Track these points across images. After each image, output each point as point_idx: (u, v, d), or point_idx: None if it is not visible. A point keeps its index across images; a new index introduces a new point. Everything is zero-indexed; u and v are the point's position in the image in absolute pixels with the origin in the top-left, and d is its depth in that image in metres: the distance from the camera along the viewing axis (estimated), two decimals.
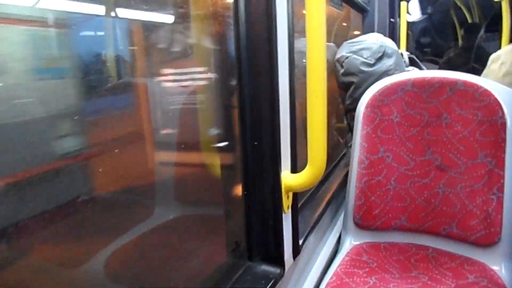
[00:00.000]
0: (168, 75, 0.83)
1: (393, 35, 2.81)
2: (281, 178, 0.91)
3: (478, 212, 1.26)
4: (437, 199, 1.33)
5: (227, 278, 0.92)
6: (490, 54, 1.99)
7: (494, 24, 3.90)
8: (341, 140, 2.01)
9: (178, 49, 0.84)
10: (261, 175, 0.91)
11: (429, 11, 4.90)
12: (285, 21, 0.88)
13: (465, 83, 1.30)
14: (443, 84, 1.33)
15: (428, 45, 5.40)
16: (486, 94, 1.27)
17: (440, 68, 4.19)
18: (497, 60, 1.85)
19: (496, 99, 1.25)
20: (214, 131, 0.94)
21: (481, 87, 1.28)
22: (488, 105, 1.26)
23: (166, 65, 0.83)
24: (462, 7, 4.68)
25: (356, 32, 2.33)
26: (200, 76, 0.90)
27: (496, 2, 2.74)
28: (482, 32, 3.99)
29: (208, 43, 0.91)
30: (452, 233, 1.31)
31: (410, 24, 4.15)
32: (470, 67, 3.76)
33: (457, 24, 5.02)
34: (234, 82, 0.89)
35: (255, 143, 0.89)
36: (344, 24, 2.23)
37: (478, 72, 1.86)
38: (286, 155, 0.93)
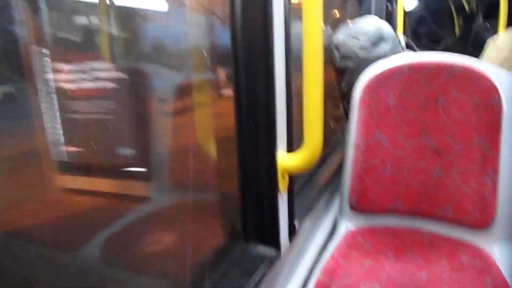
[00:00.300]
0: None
1: (390, 18, 2.79)
2: (277, 159, 0.91)
3: (473, 195, 1.26)
4: (433, 182, 1.34)
5: (222, 260, 0.92)
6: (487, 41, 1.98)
7: (490, 13, 3.89)
8: (337, 125, 2.01)
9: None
10: (256, 155, 0.91)
11: None
12: (281, 1, 0.87)
13: (463, 67, 1.30)
14: (440, 68, 1.32)
15: (425, 34, 5.37)
16: (483, 77, 1.26)
17: None
18: (494, 46, 1.85)
19: (492, 83, 1.25)
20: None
21: (478, 70, 1.27)
22: (485, 88, 1.26)
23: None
24: None
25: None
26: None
27: None
28: (480, 20, 3.98)
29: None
30: (447, 216, 1.31)
31: (407, 13, 4.12)
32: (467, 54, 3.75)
33: (454, 13, 4.99)
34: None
35: (250, 121, 0.88)
36: (341, 7, 2.21)
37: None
38: (282, 134, 0.93)
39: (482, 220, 1.24)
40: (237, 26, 0.85)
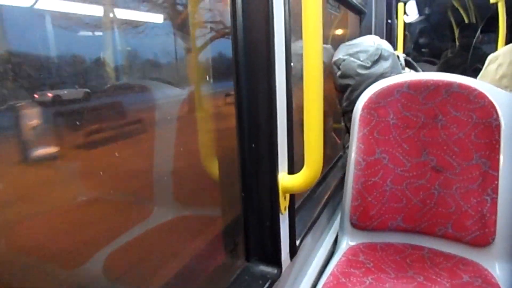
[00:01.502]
0: None
1: (390, 36, 2.83)
2: (278, 179, 0.92)
3: (473, 212, 1.27)
4: (433, 200, 1.35)
5: (225, 279, 0.93)
6: (487, 54, 2.00)
7: (490, 25, 3.93)
8: (338, 141, 2.03)
9: None
10: (258, 176, 0.92)
11: (426, 12, 4.92)
12: (282, 24, 0.89)
13: (460, 86, 1.32)
14: (438, 86, 1.35)
15: (426, 45, 5.42)
16: (481, 96, 1.28)
17: (438, 68, 4.21)
18: (494, 61, 1.87)
19: (490, 101, 1.27)
20: None
21: (475, 89, 1.30)
22: (483, 107, 1.28)
23: None
24: (459, 8, 4.71)
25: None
26: None
27: (492, 3, 2.76)
28: (478, 33, 4.02)
29: None
30: (448, 233, 1.32)
31: (407, 25, 4.17)
32: (467, 67, 3.78)
33: (454, 25, 5.04)
34: None
35: (253, 144, 0.90)
36: (341, 26, 2.25)
37: (475, 72, 1.88)
38: (284, 156, 0.94)
39: (482, 238, 1.24)
40: (239, 49, 0.88)
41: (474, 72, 1.40)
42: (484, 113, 1.27)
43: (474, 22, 4.61)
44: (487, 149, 1.26)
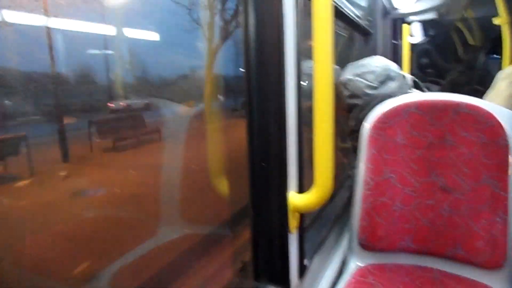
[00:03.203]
0: None
1: (396, 57, 2.86)
2: (288, 199, 0.92)
3: (483, 234, 1.26)
4: (442, 220, 1.34)
5: None
6: (492, 75, 2.00)
7: (494, 46, 3.96)
8: (345, 161, 2.03)
9: None
10: (268, 195, 0.93)
11: (431, 33, 4.98)
12: (293, 46, 0.91)
13: (468, 106, 1.33)
14: (446, 107, 1.35)
15: (430, 66, 5.46)
16: (489, 116, 1.29)
17: (443, 88, 4.23)
18: (505, 79, 1.86)
19: (498, 122, 1.27)
20: None
21: (483, 110, 1.30)
22: (491, 127, 1.28)
23: None
24: (464, 30, 4.76)
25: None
26: None
27: (496, 25, 2.79)
28: (482, 54, 4.05)
29: None
30: (458, 255, 1.30)
31: (412, 46, 4.22)
32: (472, 88, 3.80)
33: (458, 46, 5.09)
34: None
35: (263, 164, 0.91)
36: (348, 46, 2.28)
37: (476, 93, 1.88)
38: (293, 175, 0.95)
39: (493, 260, 1.23)
40: (251, 69, 0.89)
41: (475, 93, 1.40)
42: (492, 133, 1.28)
43: (479, 44, 4.66)
44: (496, 169, 1.26)
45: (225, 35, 0.99)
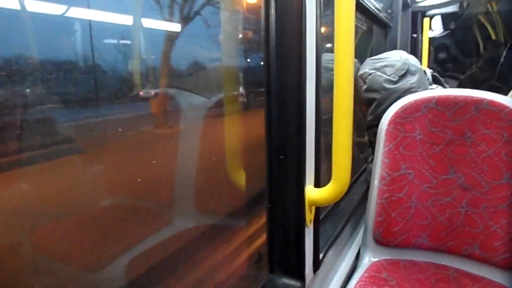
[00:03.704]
0: None
1: (415, 51, 2.81)
2: (305, 192, 0.92)
3: (502, 233, 1.24)
4: (459, 218, 1.32)
5: None
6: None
7: None
8: (361, 155, 2.01)
9: None
10: (285, 188, 0.93)
11: (452, 27, 4.87)
12: (314, 39, 0.90)
13: (491, 103, 1.30)
14: (467, 103, 1.33)
15: (450, 61, 5.35)
16: None
17: (461, 83, 4.15)
18: None
19: None
20: None
21: (507, 106, 1.27)
22: None
23: None
24: (486, 24, 4.64)
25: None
26: None
27: None
28: (505, 51, 3.94)
29: None
30: (474, 254, 1.29)
31: (431, 40, 4.13)
32: (492, 84, 3.71)
33: (480, 41, 4.97)
34: None
35: (281, 157, 0.91)
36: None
37: (499, 90, 1.84)
38: (311, 169, 0.95)
39: (511, 261, 1.21)
40: (271, 63, 0.89)
41: (494, 89, 1.37)
42: None
43: (502, 39, 4.53)
44: None
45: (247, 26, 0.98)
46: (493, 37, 4.68)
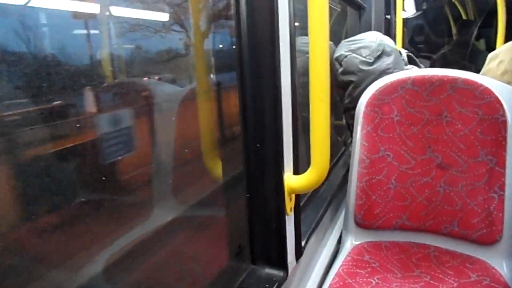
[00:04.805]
0: None
1: (389, 32, 2.80)
2: (284, 180, 0.90)
3: (480, 210, 1.26)
4: (438, 197, 1.33)
5: (230, 282, 0.91)
6: (485, 51, 1.98)
7: (489, 20, 3.92)
8: (340, 138, 2.01)
9: None
10: (263, 177, 0.90)
11: (424, 7, 4.90)
12: (287, 21, 0.86)
13: (466, 81, 1.30)
14: (443, 82, 1.32)
15: (423, 41, 5.41)
16: (487, 92, 1.26)
17: (433, 64, 4.20)
18: (495, 59, 1.85)
19: (496, 97, 1.25)
20: None
21: (481, 85, 1.27)
22: (489, 103, 1.26)
23: None
24: (457, 3, 4.69)
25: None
26: None
27: None
28: (476, 29, 4.00)
29: None
30: (453, 231, 1.30)
31: (405, 21, 4.15)
32: (463, 65, 3.77)
33: (451, 21, 5.03)
34: None
35: (258, 145, 0.88)
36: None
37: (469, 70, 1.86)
38: (289, 156, 0.92)
39: (489, 236, 1.23)
40: (243, 47, 0.85)
41: (464, 69, 1.38)
42: (490, 109, 1.25)
43: (472, 18, 4.60)
44: (494, 145, 1.25)
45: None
46: (464, 16, 4.74)
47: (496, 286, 1.12)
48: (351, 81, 1.53)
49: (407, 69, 1.65)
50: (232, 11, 0.83)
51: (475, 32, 4.20)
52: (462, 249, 1.29)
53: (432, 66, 4.08)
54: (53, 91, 0.53)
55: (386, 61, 1.52)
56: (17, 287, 0.50)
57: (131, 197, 0.74)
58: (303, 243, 1.07)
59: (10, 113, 0.49)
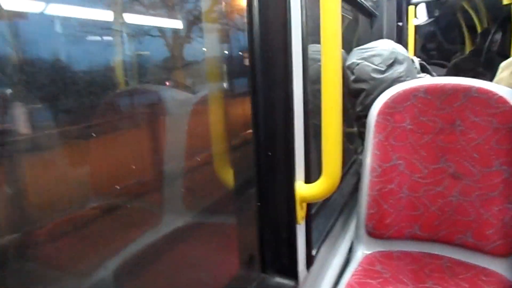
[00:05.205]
0: None
1: (400, 39, 2.79)
2: (295, 189, 0.89)
3: (494, 221, 1.23)
4: (451, 207, 1.31)
5: None
6: (499, 58, 1.95)
7: (503, 27, 3.87)
8: (351, 146, 1.99)
9: None
10: (274, 185, 0.90)
11: (436, 14, 4.86)
12: (299, 30, 0.87)
13: (479, 90, 1.28)
14: (456, 91, 1.31)
15: (435, 49, 5.36)
16: (501, 101, 1.25)
17: (448, 72, 4.15)
18: (507, 68, 1.82)
19: (511, 106, 1.23)
20: None
21: (496, 93, 1.26)
22: (504, 112, 1.24)
23: None
24: (470, 11, 4.65)
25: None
26: None
27: (506, 5, 2.70)
28: (490, 37, 3.94)
29: None
30: (467, 242, 1.28)
31: (416, 28, 4.13)
32: (477, 72, 3.72)
33: (464, 28, 4.98)
34: None
35: (269, 153, 0.88)
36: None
37: (484, 77, 1.84)
38: (300, 165, 0.92)
39: (505, 248, 1.20)
40: (256, 55, 0.85)
41: (479, 77, 1.36)
42: (504, 118, 1.24)
43: (486, 25, 4.55)
44: (509, 155, 1.22)
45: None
46: (477, 23, 4.68)
47: None
48: (363, 89, 1.53)
49: (419, 77, 1.64)
50: (245, 19, 0.84)
51: (489, 38, 4.15)
52: (476, 260, 1.27)
53: (448, 74, 4.04)
54: None
55: (398, 69, 1.51)
56: None
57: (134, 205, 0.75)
58: (313, 252, 1.06)
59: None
